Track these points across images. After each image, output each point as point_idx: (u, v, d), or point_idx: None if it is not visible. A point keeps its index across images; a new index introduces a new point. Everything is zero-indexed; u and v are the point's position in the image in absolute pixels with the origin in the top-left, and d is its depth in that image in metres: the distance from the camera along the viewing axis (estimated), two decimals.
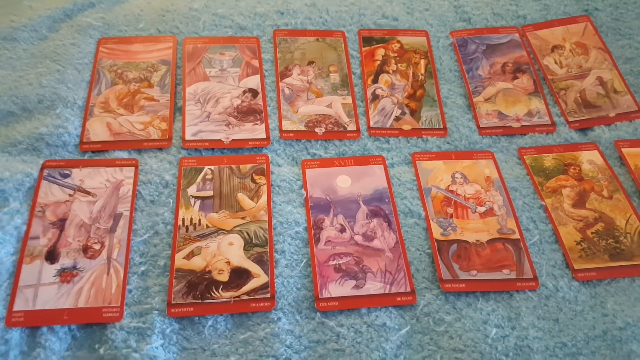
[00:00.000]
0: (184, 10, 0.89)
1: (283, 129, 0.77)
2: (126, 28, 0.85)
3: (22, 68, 0.78)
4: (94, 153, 0.71)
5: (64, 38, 0.83)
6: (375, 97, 0.83)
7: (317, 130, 0.78)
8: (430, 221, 0.69)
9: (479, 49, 0.89)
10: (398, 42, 0.89)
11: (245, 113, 0.78)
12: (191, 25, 0.87)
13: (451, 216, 0.70)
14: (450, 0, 0.95)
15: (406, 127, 0.80)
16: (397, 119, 0.81)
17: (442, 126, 0.80)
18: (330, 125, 0.79)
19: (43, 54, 0.80)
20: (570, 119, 0.82)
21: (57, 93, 0.75)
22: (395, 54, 0.88)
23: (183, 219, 0.66)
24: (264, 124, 0.77)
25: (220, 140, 0.74)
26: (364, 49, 0.88)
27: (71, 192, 0.67)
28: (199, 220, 0.66)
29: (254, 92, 0.80)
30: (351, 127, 0.79)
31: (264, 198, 0.69)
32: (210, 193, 0.69)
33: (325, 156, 0.76)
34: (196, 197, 0.68)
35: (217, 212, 0.67)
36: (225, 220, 0.67)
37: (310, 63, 0.85)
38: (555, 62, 0.88)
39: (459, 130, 0.80)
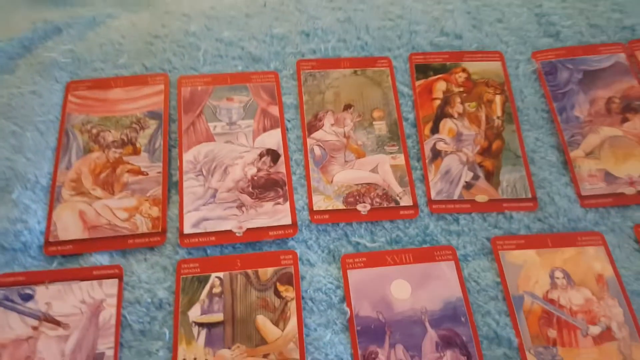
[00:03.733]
0: (178, 34, 0.67)
1: (314, 208, 0.57)
2: (102, 65, 0.64)
3: None
4: (65, 258, 0.53)
5: (22, 83, 0.62)
6: (437, 155, 0.62)
7: (359, 208, 0.58)
8: (527, 353, 0.49)
9: (574, 77, 0.67)
10: (464, 70, 0.67)
11: (263, 187, 0.58)
12: (188, 58, 0.65)
13: (554, 343, 0.50)
14: (530, 7, 0.70)
15: (481, 198, 0.60)
16: (467, 185, 0.60)
17: (530, 195, 0.59)
18: (378, 200, 0.59)
19: None
20: None
21: (14, 168, 0.56)
22: (461, 89, 0.66)
23: None
24: (288, 203, 0.58)
25: (230, 231, 0.55)
26: (417, 82, 0.66)
27: (35, 323, 0.48)
28: None
29: (274, 156, 0.60)
30: (405, 200, 0.59)
31: (293, 321, 0.50)
32: (220, 317, 0.50)
33: (372, 246, 0.56)
34: (200, 325, 0.50)
35: (229, 348, 0.49)
36: None
37: (347, 107, 0.64)
38: None
39: (553, 202, 0.58)
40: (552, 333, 0.51)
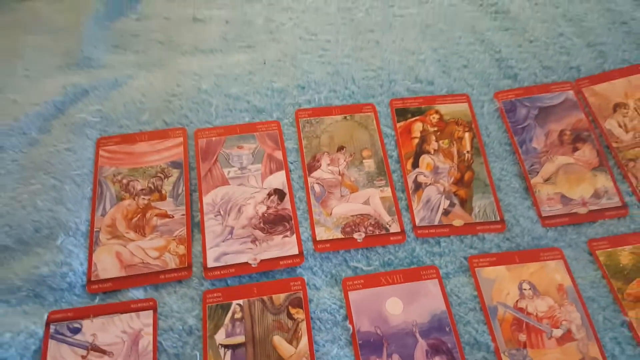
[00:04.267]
0: (192, 92, 0.74)
1: (317, 238, 0.64)
2: (127, 122, 0.70)
3: (13, 186, 0.64)
4: (105, 294, 0.59)
5: (57, 141, 0.68)
6: (418, 186, 0.69)
7: (356, 236, 0.65)
8: (502, 355, 0.56)
9: (531, 114, 0.75)
10: (436, 112, 0.75)
11: (273, 222, 0.64)
12: (202, 113, 0.72)
13: (524, 346, 0.57)
14: (491, 53, 0.79)
15: (457, 222, 0.67)
16: (445, 212, 0.67)
17: (498, 218, 0.66)
18: (371, 228, 0.65)
19: (35, 165, 0.66)
20: None
21: (56, 217, 0.62)
22: (435, 128, 0.74)
23: None
24: (294, 235, 0.64)
25: (247, 263, 0.62)
26: (398, 124, 0.74)
27: (84, 352, 0.54)
28: None
29: (280, 194, 0.67)
30: (394, 227, 0.66)
31: (304, 340, 0.57)
32: (242, 339, 0.56)
33: (368, 269, 0.63)
34: (226, 346, 0.56)
35: None
36: None
37: (340, 149, 0.71)
38: (620, 125, 0.73)
39: (519, 223, 0.66)
40: (523, 337, 0.57)
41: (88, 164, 0.67)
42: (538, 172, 0.69)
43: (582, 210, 0.67)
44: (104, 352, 0.54)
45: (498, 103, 0.74)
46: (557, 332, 0.58)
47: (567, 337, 0.57)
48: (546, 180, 0.69)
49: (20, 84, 0.75)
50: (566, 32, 0.80)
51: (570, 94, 0.75)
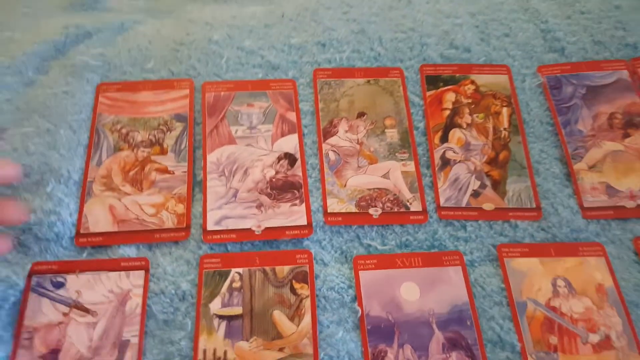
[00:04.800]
0: (202, 42, 0.69)
1: (328, 210, 0.59)
2: (131, 69, 0.66)
3: (5, 127, 0.62)
4: (94, 249, 0.56)
5: (55, 84, 0.64)
6: (446, 163, 0.64)
7: (371, 211, 0.60)
8: (528, 357, 0.51)
9: (577, 92, 0.69)
10: (472, 82, 0.69)
11: (281, 189, 0.60)
12: (212, 65, 0.67)
13: (555, 349, 0.51)
14: (536, 23, 0.72)
15: (488, 206, 0.61)
16: (475, 194, 0.62)
17: (534, 205, 0.61)
18: (389, 204, 0.61)
19: (30, 107, 0.62)
20: None
21: (48, 163, 0.58)
22: (470, 100, 0.68)
23: (204, 351, 0.50)
24: (304, 204, 0.60)
25: (250, 229, 0.58)
26: (428, 92, 0.68)
27: (66, 309, 0.51)
28: (225, 352, 0.50)
29: (291, 159, 0.62)
30: (415, 206, 0.61)
31: (307, 319, 0.52)
32: (239, 310, 0.52)
33: (383, 249, 0.58)
34: (221, 317, 0.52)
35: (247, 340, 0.51)
36: (258, 354, 0.50)
37: (361, 115, 0.66)
38: None
39: (557, 212, 0.60)
40: (554, 339, 0.52)
41: (86, 109, 0.63)
42: (582, 158, 0.63)
43: (630, 204, 0.60)
44: (87, 310, 0.51)
45: (542, 78, 0.68)
46: (594, 338, 0.52)
47: (605, 344, 0.52)
48: (591, 167, 0.63)
49: (19, 22, 0.71)
50: (623, 5, 0.73)
51: (624, 73, 0.68)
